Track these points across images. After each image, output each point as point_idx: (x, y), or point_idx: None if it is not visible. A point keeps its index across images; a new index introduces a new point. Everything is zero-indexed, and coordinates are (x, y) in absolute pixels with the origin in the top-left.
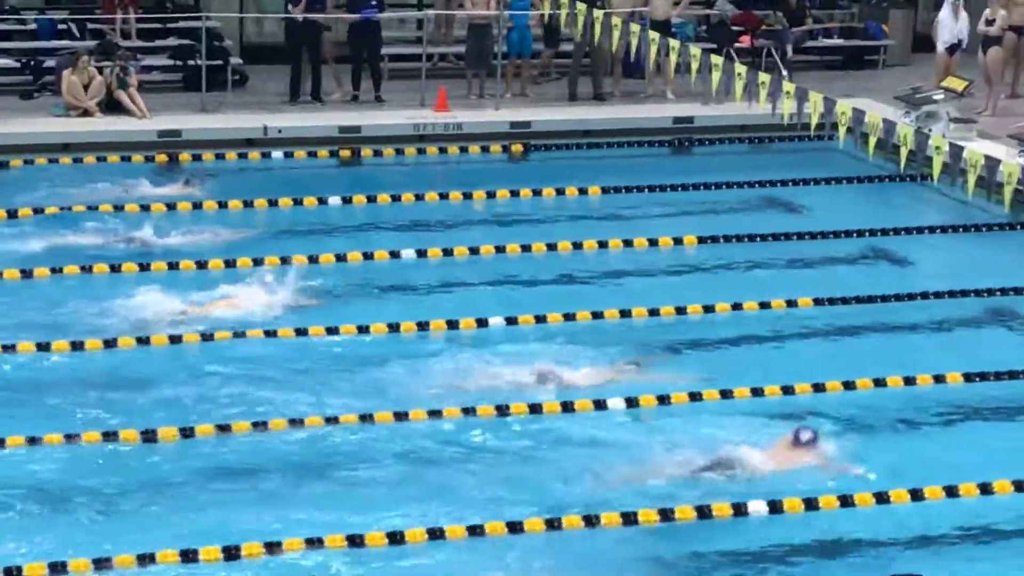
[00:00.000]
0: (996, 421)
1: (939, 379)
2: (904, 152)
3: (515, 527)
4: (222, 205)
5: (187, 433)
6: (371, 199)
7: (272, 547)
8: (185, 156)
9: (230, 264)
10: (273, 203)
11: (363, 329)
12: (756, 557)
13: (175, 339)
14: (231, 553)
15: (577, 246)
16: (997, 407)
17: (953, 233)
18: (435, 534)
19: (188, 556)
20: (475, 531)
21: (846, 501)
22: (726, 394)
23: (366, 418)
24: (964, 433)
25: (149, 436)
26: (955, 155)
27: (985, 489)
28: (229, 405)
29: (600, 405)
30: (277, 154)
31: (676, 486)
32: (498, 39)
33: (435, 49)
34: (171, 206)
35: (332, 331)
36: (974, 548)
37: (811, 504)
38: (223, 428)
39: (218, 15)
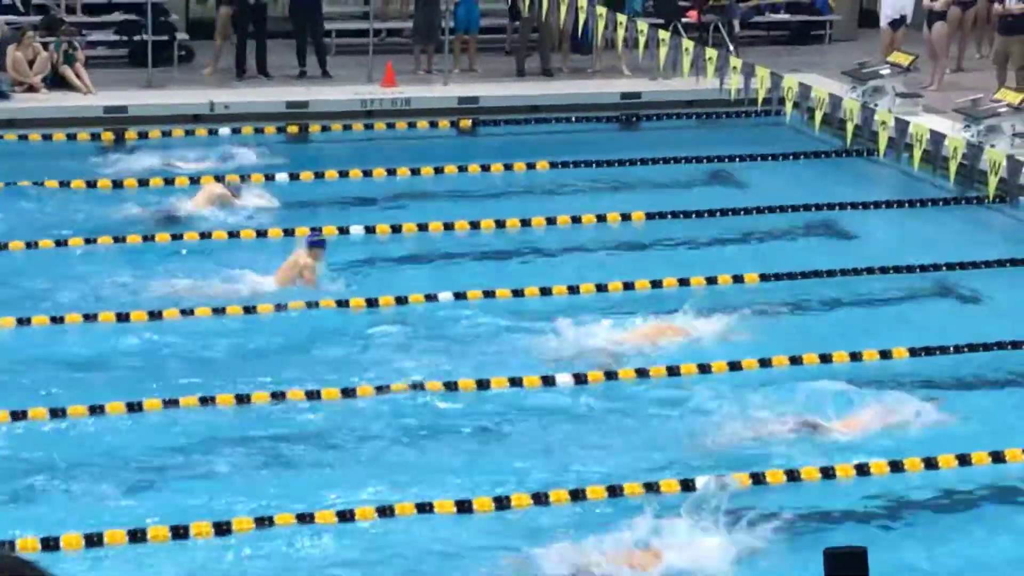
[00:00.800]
0: (941, 395)
1: (885, 354)
2: (850, 127)
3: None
4: (168, 182)
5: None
6: (319, 175)
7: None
8: (131, 134)
9: (176, 237)
10: (220, 179)
11: (312, 304)
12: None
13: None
14: (346, 517)
15: (525, 222)
16: (943, 381)
17: (899, 208)
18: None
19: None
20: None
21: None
22: (673, 370)
23: (313, 395)
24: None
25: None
26: (901, 130)
27: (930, 463)
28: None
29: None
30: (224, 130)
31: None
32: (446, 14)
33: (382, 24)
34: (117, 183)
35: (280, 307)
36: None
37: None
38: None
39: None
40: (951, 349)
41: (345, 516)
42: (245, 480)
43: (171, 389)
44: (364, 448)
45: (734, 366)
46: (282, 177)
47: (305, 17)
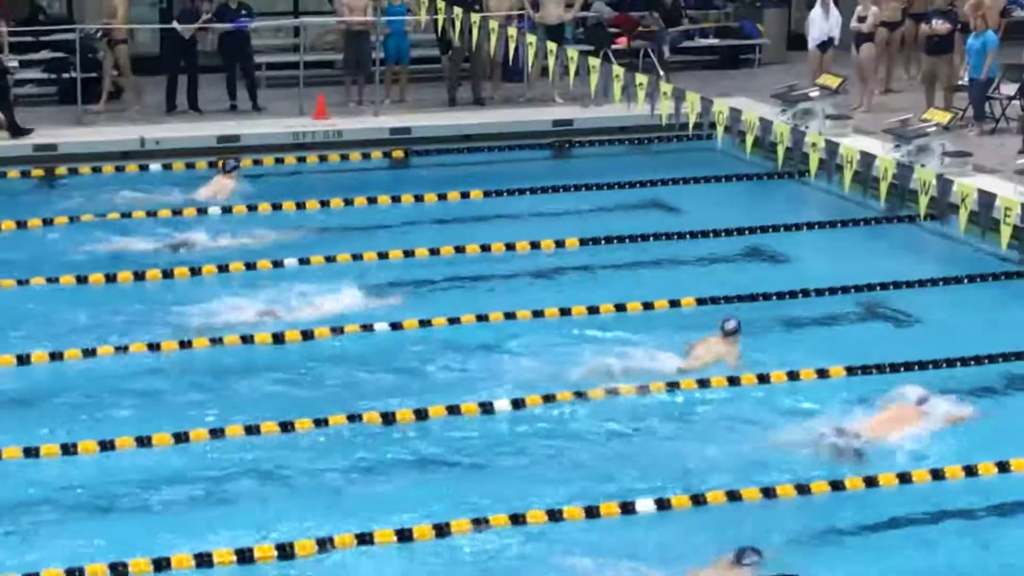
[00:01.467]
0: (875, 412)
1: (822, 373)
2: (781, 149)
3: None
4: (100, 216)
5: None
6: (251, 208)
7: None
8: (61, 170)
9: (111, 279)
10: (152, 214)
11: (247, 339)
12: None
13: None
14: (442, 530)
15: (459, 250)
16: (877, 399)
17: (831, 229)
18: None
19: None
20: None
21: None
22: (610, 392)
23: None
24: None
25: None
26: (831, 151)
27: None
28: None
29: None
30: (155, 166)
31: None
32: (376, 46)
33: (313, 56)
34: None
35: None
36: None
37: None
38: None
39: (92, 26)
40: (887, 368)
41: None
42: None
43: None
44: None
45: (672, 386)
46: (215, 211)
47: (235, 51)
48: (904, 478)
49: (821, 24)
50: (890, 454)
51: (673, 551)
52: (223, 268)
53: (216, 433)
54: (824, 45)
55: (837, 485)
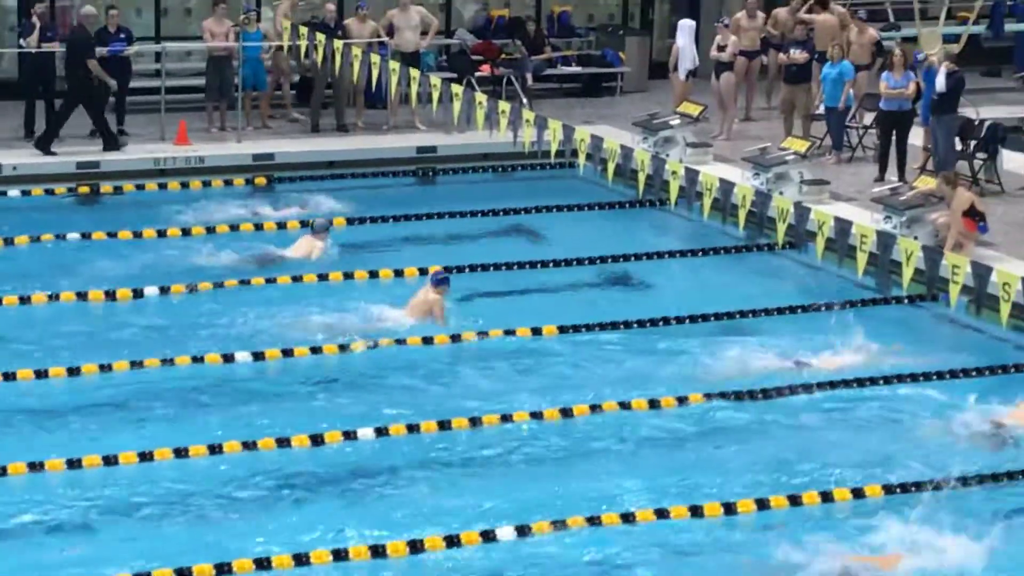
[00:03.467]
0: (740, 439)
1: (682, 401)
2: (642, 177)
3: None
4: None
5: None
6: (111, 235)
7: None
8: None
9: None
10: (9, 241)
11: (73, 371)
12: None
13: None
14: (488, 537)
15: (323, 278)
16: (741, 425)
17: (692, 256)
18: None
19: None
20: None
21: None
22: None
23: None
24: (706, 453)
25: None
26: (691, 179)
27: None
28: None
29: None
30: (13, 192)
31: None
32: (237, 72)
33: (174, 82)
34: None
35: (73, 371)
36: None
37: None
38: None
39: None
40: (745, 395)
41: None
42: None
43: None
44: None
45: (535, 415)
46: (73, 237)
47: (111, 74)
48: None
49: (690, 52)
50: None
51: None
52: (82, 296)
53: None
54: (690, 73)
55: None
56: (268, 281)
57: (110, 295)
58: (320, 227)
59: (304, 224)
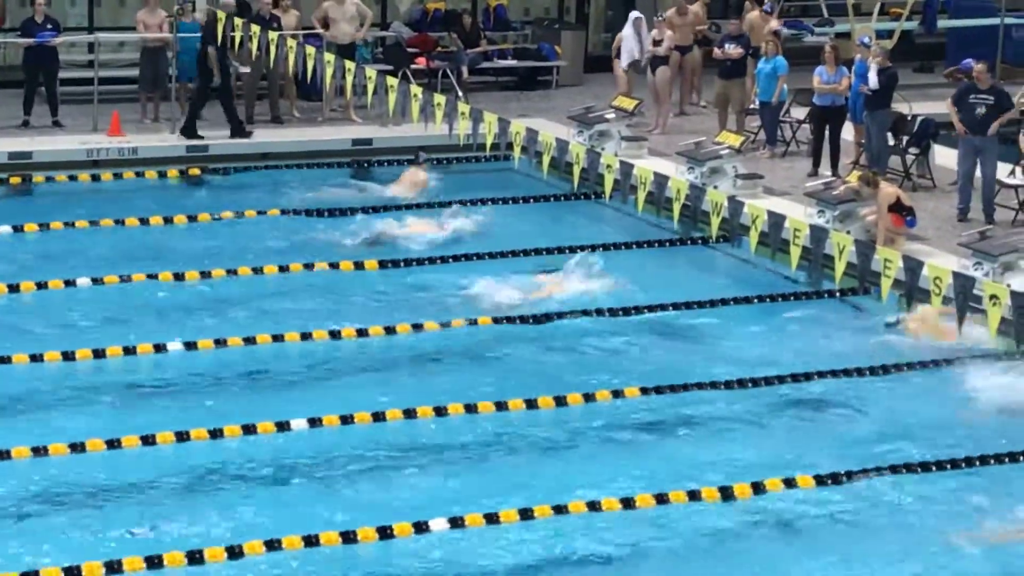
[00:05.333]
0: (685, 433)
1: (617, 394)
2: (577, 170)
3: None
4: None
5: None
6: (43, 227)
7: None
8: None
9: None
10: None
11: (36, 357)
12: None
13: None
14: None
15: (257, 271)
16: (678, 421)
17: (627, 249)
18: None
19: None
20: None
21: None
22: (409, 413)
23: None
24: (650, 445)
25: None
26: (626, 173)
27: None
28: None
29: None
30: None
31: None
32: (172, 63)
33: (108, 72)
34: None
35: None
36: None
37: None
38: None
39: None
40: (680, 388)
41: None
42: None
43: None
44: None
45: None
46: (5, 229)
47: (39, 67)
48: None
49: (633, 44)
50: None
51: None
52: (13, 288)
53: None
54: (632, 64)
55: None
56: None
57: (41, 286)
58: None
59: (238, 215)
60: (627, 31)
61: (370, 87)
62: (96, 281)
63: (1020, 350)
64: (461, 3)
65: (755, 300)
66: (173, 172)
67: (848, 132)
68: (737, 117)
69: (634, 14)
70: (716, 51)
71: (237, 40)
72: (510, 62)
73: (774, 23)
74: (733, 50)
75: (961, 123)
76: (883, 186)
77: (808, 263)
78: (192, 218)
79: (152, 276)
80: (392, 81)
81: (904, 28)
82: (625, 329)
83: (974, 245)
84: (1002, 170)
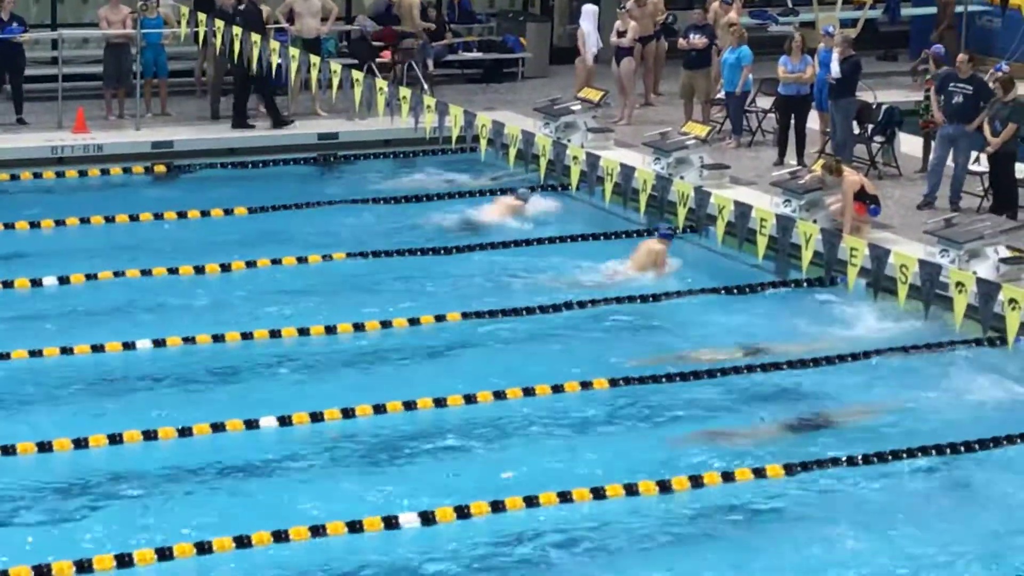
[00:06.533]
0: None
1: (586, 385)
2: (543, 162)
3: None
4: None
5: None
6: (8, 226)
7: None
8: None
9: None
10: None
11: (3, 355)
12: None
13: None
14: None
15: (225, 268)
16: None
17: (594, 240)
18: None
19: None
20: None
21: None
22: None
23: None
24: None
25: None
26: (592, 164)
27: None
28: None
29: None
30: None
31: None
32: (136, 58)
33: (72, 69)
34: None
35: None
36: None
37: None
38: None
39: None
40: (663, 379)
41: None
42: None
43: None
44: None
45: (439, 402)
46: None
47: (4, 64)
48: None
49: (595, 37)
50: None
51: None
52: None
53: None
54: (595, 57)
55: None
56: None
57: (7, 284)
58: (523, 195)
59: (204, 213)
60: (586, 26)
61: (335, 81)
62: (63, 281)
63: (986, 336)
64: None
65: (721, 291)
66: (138, 169)
67: (813, 121)
68: (702, 107)
69: (588, 7)
70: (680, 41)
71: (201, 35)
72: (475, 54)
73: (732, 15)
74: (697, 40)
75: (940, 111)
76: (847, 174)
77: (775, 253)
78: (158, 215)
79: (119, 274)
80: (358, 75)
81: (868, 16)
82: (591, 322)
83: (940, 232)
84: None
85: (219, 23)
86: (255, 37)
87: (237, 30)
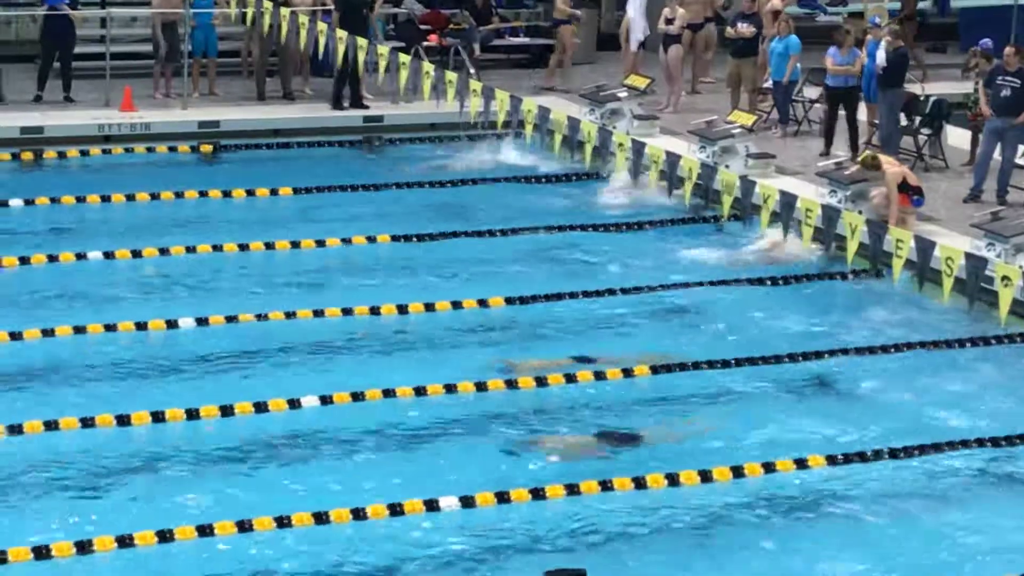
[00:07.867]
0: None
1: (627, 372)
2: (589, 149)
3: None
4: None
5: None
6: (55, 201)
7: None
8: None
9: None
10: None
11: (16, 335)
12: None
13: None
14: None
15: (269, 246)
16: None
17: (639, 230)
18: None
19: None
20: None
21: None
22: (421, 391)
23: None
24: None
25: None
26: (637, 151)
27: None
28: None
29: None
30: None
31: None
32: (184, 38)
33: (120, 47)
34: None
35: (16, 336)
36: None
37: None
38: None
39: None
40: (689, 366)
41: None
42: None
43: None
44: None
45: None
46: (16, 203)
47: (58, 38)
48: None
49: (641, 24)
50: None
51: None
52: (24, 260)
53: None
54: (641, 44)
55: None
56: None
57: (52, 259)
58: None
59: (249, 192)
60: (633, 13)
61: (382, 64)
62: (108, 256)
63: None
64: None
65: (767, 282)
66: (184, 148)
67: (862, 112)
68: (749, 96)
69: None
70: (728, 30)
71: (249, 16)
72: (522, 39)
73: (776, 2)
74: (745, 29)
75: (988, 105)
76: (888, 166)
77: (821, 243)
78: (204, 194)
79: (164, 251)
80: (404, 58)
81: (917, 8)
82: (635, 307)
83: (986, 226)
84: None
85: (267, 4)
86: (302, 18)
87: (285, 11)
